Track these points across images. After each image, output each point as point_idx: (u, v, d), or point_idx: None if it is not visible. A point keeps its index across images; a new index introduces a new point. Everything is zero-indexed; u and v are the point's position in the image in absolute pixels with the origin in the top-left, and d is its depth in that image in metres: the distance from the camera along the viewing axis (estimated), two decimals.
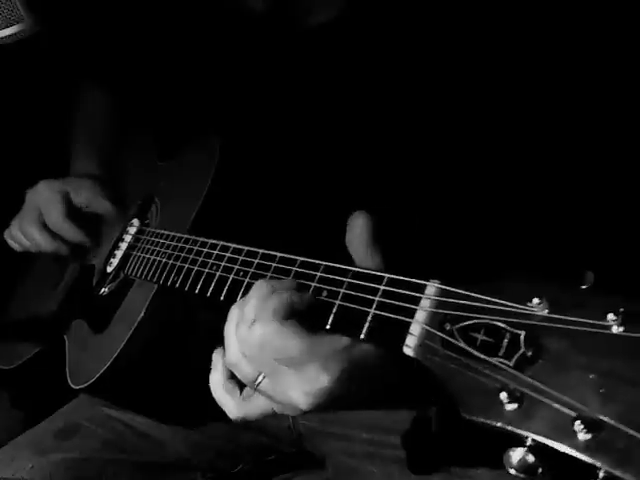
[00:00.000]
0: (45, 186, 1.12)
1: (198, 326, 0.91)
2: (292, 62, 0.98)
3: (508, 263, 0.51)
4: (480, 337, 0.48)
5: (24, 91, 1.41)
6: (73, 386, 0.94)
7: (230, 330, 0.64)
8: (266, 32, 0.99)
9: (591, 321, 0.43)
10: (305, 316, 0.60)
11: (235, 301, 0.71)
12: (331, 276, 0.61)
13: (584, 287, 0.46)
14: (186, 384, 0.94)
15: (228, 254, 0.75)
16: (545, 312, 0.45)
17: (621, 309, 0.42)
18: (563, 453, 0.41)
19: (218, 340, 0.92)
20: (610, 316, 0.42)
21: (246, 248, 0.73)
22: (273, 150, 1.00)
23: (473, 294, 0.49)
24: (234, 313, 0.64)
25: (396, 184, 0.93)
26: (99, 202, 1.11)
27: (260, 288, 0.63)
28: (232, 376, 0.68)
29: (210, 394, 0.98)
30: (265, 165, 0.98)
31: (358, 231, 0.61)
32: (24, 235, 1.11)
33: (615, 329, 0.42)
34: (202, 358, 0.93)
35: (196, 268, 0.79)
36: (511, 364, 0.45)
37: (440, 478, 0.90)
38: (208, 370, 0.94)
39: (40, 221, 1.10)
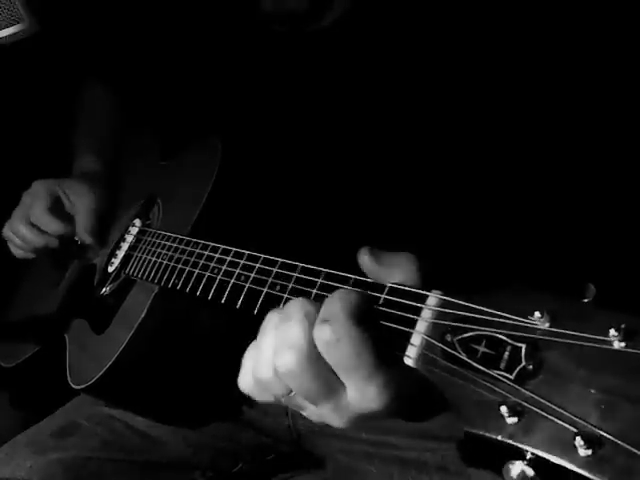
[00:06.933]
0: (37, 184, 1.14)
1: (199, 327, 0.91)
2: (298, 61, 0.98)
3: (510, 275, 0.50)
4: (481, 349, 0.47)
5: (25, 91, 1.40)
6: (73, 386, 0.94)
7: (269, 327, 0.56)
8: (273, 31, 0.99)
9: (592, 336, 0.43)
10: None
11: (236, 305, 0.71)
12: (332, 283, 0.60)
13: (586, 300, 0.46)
14: (187, 385, 0.94)
15: (229, 257, 0.75)
16: (546, 325, 0.45)
17: (622, 325, 0.42)
18: (563, 468, 0.41)
19: (219, 341, 0.92)
20: (612, 332, 0.42)
21: (247, 252, 0.73)
22: (277, 151, 1.00)
23: (475, 306, 0.49)
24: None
25: (401, 187, 0.93)
26: (80, 221, 1.11)
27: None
28: None
29: (209, 395, 0.99)
30: (268, 166, 0.98)
31: (368, 267, 0.57)
32: (14, 232, 1.12)
33: (616, 345, 0.42)
34: (203, 359, 0.93)
35: (197, 271, 0.79)
36: (512, 377, 0.45)
37: (438, 477, 0.90)
38: (209, 370, 0.94)
39: (27, 216, 1.11)
